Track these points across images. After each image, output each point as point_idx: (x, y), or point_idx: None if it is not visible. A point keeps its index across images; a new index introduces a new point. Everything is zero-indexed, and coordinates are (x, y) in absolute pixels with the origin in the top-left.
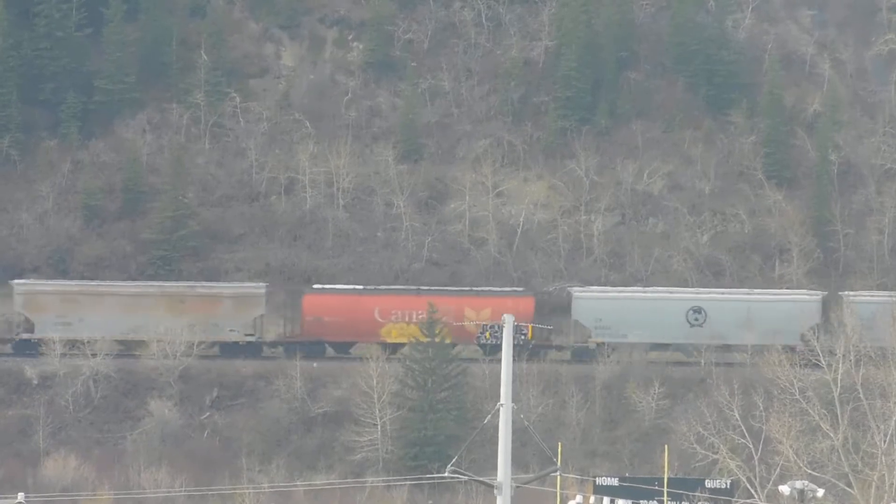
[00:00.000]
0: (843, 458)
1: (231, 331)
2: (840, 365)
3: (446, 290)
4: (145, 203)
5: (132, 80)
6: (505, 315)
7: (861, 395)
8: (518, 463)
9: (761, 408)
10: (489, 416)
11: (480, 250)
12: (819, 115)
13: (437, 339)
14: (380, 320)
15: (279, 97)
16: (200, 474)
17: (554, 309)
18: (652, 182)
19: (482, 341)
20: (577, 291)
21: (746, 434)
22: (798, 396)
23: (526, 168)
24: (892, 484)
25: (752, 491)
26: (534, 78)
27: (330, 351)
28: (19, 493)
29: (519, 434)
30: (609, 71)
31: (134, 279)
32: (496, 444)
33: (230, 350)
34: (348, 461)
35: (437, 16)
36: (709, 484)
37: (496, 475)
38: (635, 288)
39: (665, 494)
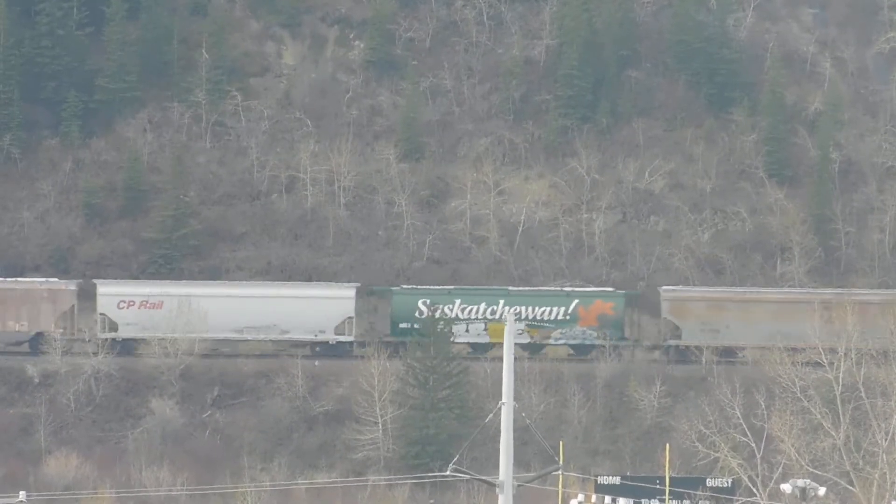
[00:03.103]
0: (844, 457)
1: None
2: (841, 363)
3: None
4: (146, 202)
5: (133, 78)
6: (506, 315)
7: (862, 394)
8: (520, 462)
9: (763, 406)
10: (491, 414)
11: (481, 249)
12: (820, 113)
13: None
14: None
15: (280, 96)
16: (202, 473)
17: None
18: (653, 180)
19: None
20: None
21: (748, 432)
22: (800, 395)
23: (527, 166)
24: (894, 482)
25: (754, 490)
26: (535, 76)
27: None
28: (21, 492)
29: (520, 432)
30: (610, 69)
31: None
32: (498, 442)
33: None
34: (350, 460)
35: (439, 14)
36: (710, 483)
37: (498, 474)
38: None
39: (667, 493)
